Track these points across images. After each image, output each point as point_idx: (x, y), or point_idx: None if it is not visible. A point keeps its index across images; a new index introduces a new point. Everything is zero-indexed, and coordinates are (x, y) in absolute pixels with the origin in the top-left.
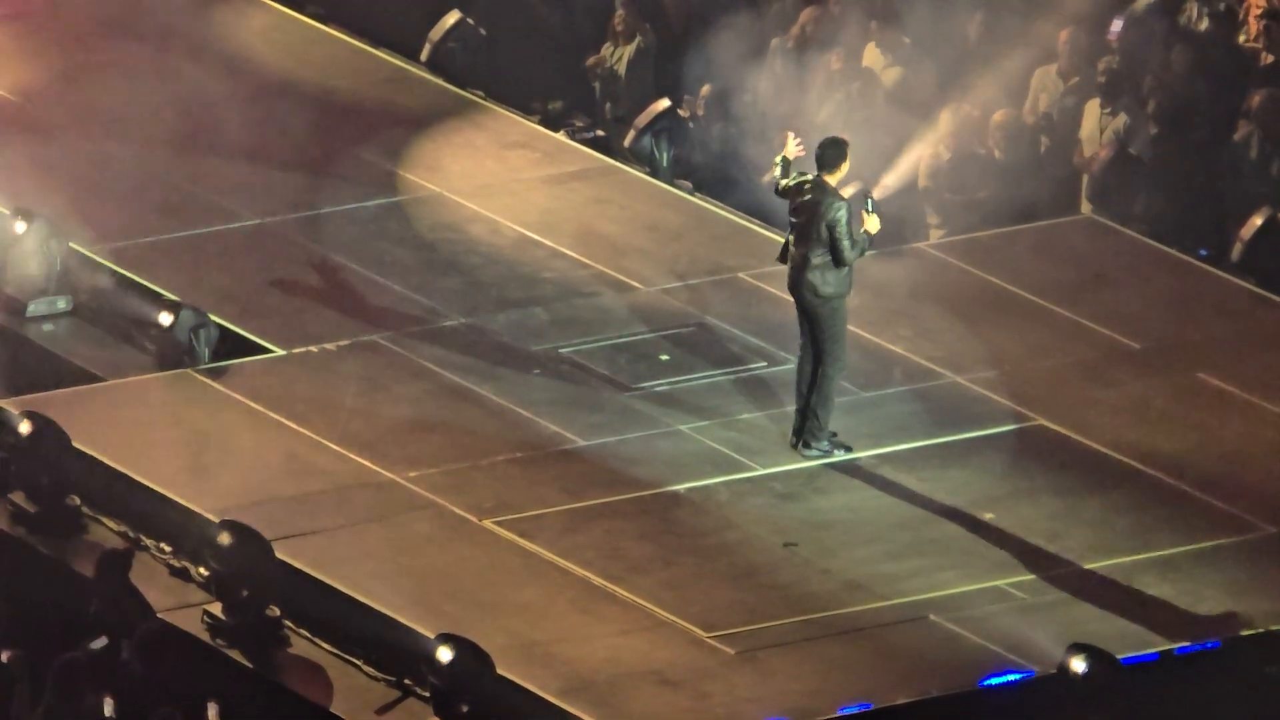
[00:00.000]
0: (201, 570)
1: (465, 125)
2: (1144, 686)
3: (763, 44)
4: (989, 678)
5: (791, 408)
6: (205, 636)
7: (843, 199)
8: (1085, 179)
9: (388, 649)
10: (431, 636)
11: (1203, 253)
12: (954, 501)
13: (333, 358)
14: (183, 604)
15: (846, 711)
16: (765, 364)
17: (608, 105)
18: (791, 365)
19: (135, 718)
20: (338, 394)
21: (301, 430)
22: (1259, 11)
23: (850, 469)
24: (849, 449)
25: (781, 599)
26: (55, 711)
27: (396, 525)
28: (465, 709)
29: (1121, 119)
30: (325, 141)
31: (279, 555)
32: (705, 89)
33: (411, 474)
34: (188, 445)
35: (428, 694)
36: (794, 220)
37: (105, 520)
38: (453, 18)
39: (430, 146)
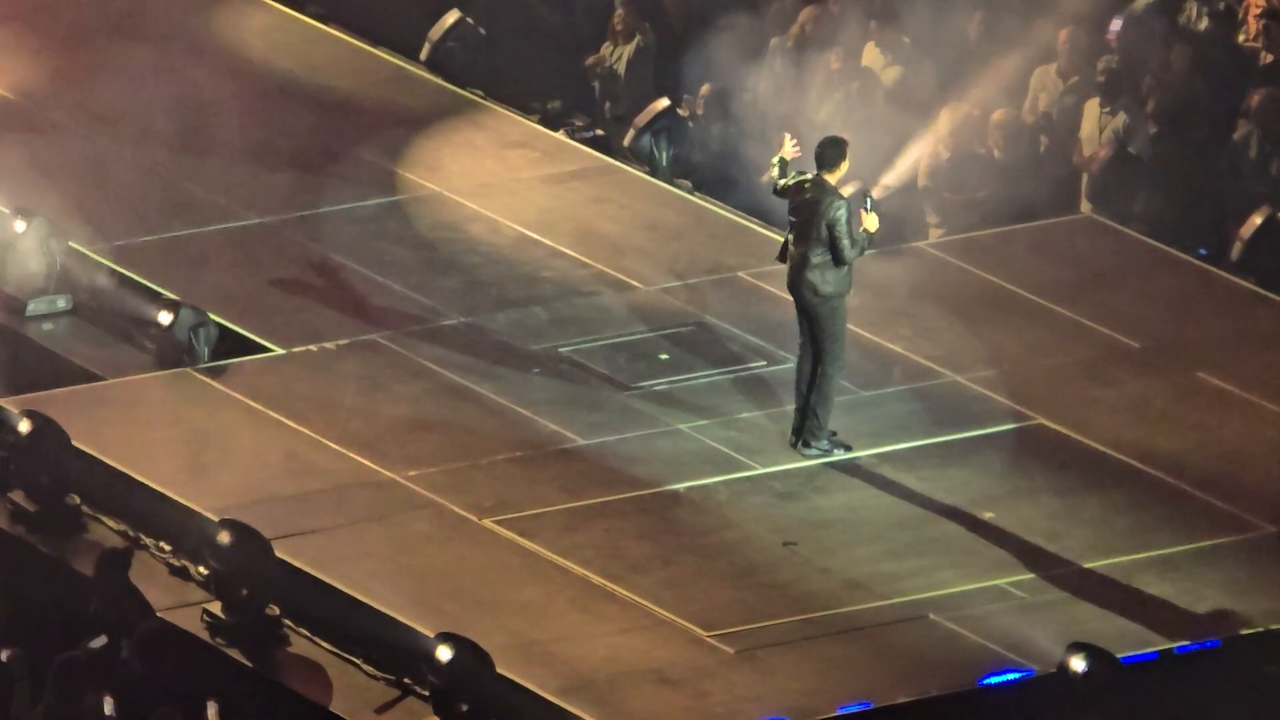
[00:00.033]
0: (201, 569)
1: (465, 124)
2: (1144, 686)
3: (762, 43)
4: (988, 677)
5: (791, 407)
6: (205, 635)
7: (842, 198)
8: (1085, 178)
9: (387, 648)
10: (431, 635)
11: (1202, 252)
12: (953, 500)
13: (332, 357)
14: (182, 603)
15: (846, 710)
16: (765, 363)
17: (607, 104)
18: (791, 364)
19: (135, 717)
20: (337, 393)
21: (301, 429)
22: (1258, 11)
23: (850, 468)
24: (848, 448)
25: (781, 598)
26: (55, 710)
27: (396, 524)
28: (465, 708)
29: (1121, 118)
30: (325, 141)
31: (278, 554)
32: (705, 88)
33: (411, 473)
34: (187, 444)
35: (427, 693)
36: (793, 219)
37: (105, 519)
38: (452, 17)
39: (430, 146)
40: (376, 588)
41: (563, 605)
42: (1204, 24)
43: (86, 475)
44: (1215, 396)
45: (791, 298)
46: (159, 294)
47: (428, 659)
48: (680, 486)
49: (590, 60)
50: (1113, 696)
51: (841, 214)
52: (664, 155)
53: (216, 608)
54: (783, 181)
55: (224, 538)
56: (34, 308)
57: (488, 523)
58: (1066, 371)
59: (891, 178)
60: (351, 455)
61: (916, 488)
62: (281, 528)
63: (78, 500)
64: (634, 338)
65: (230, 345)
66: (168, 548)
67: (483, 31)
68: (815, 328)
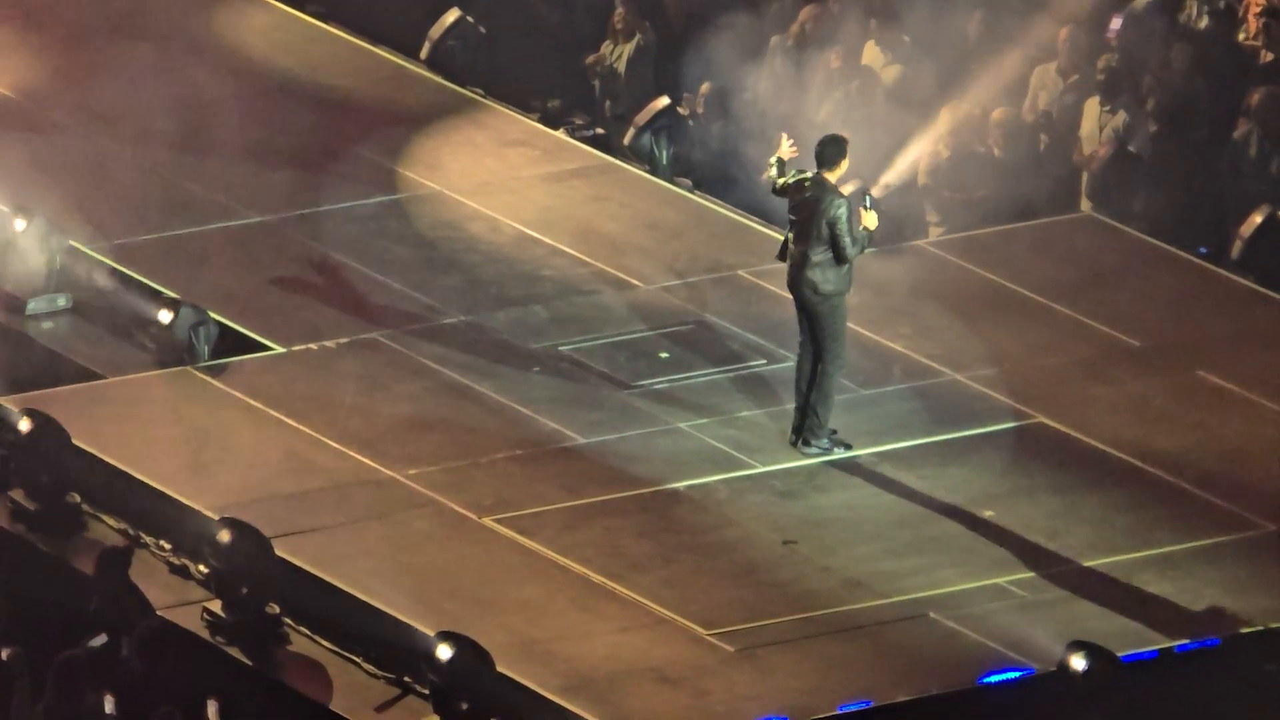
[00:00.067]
0: (201, 568)
1: (465, 123)
2: (1144, 684)
3: (762, 42)
4: (989, 675)
5: (791, 405)
6: (205, 634)
7: (843, 196)
8: (1085, 177)
9: (387, 646)
10: (431, 634)
11: (1202, 250)
12: (954, 499)
13: (332, 355)
14: (182, 601)
15: (846, 709)
16: (765, 362)
17: (607, 103)
18: (791, 363)
19: (135, 715)
20: (337, 392)
21: (301, 428)
22: (1258, 9)
23: (850, 466)
24: (848, 446)
25: (781, 597)
26: (55, 709)
27: (396, 523)
28: (465, 706)
29: (1121, 117)
30: (325, 139)
31: (278, 553)
32: (705, 87)
33: (411, 471)
34: (187, 443)
35: (427, 691)
36: (793, 218)
37: (105, 518)
38: (452, 16)
39: (430, 144)
40: (376, 586)
41: (563, 604)
42: (1204, 22)
43: (86, 474)
44: (1215, 395)
45: (791, 296)
46: (159, 292)
47: (428, 657)
48: (680, 485)
49: (590, 59)
50: (1113, 695)
51: (842, 212)
52: (664, 154)
53: (216, 606)
54: (781, 180)
55: (224, 536)
56: (34, 306)
57: (488, 521)
58: (1066, 370)
59: (892, 176)
60: (351, 454)
61: (916, 486)
62: (281, 526)
63: (78, 499)
64: (634, 336)
65: (230, 344)
66: (168, 546)
67: (483, 30)
68: (815, 326)
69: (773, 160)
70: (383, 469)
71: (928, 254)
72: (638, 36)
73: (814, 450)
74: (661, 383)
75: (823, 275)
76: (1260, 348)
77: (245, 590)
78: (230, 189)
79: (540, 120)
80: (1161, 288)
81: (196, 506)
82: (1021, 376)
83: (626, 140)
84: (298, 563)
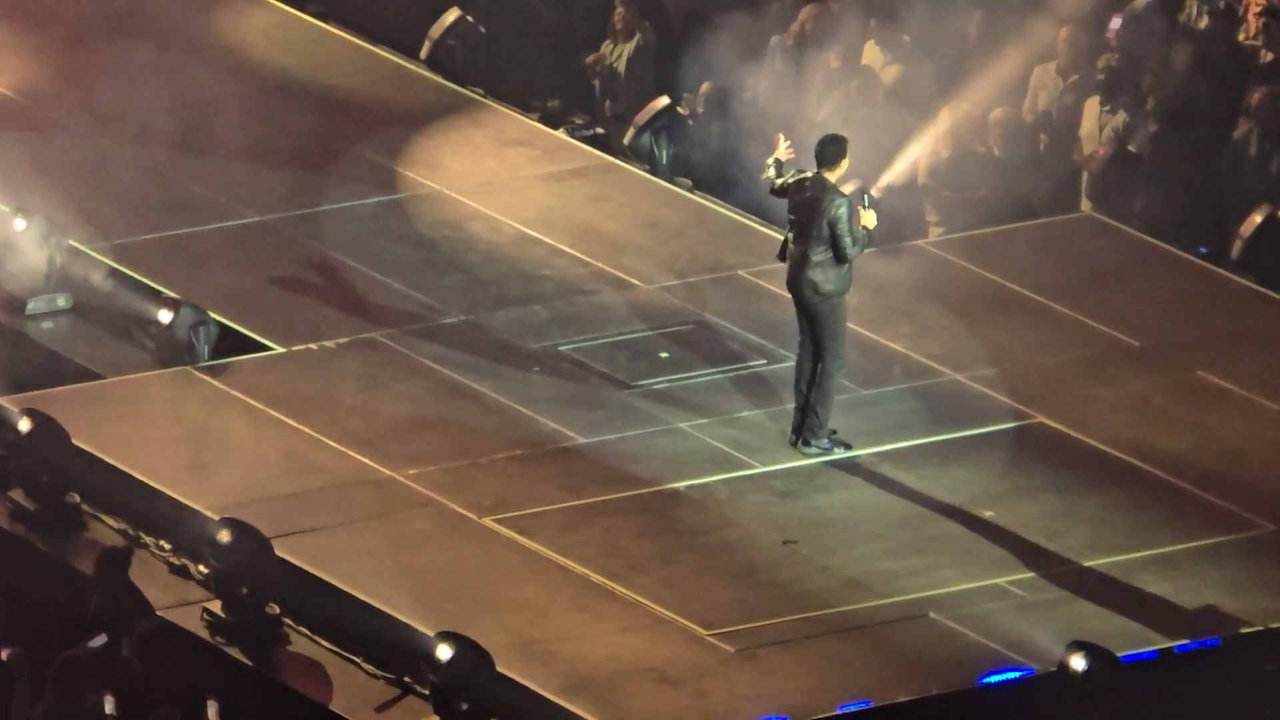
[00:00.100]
0: (201, 568)
1: (465, 123)
2: (1144, 684)
3: (762, 42)
4: (989, 675)
5: (791, 405)
6: (205, 634)
7: (843, 196)
8: (1085, 177)
9: (387, 647)
10: (431, 634)
11: (1202, 250)
12: (953, 499)
13: (332, 355)
14: (182, 601)
15: (846, 709)
16: (765, 361)
17: (607, 103)
18: (790, 363)
19: (135, 716)
20: (337, 391)
21: (301, 428)
22: (1258, 9)
23: (850, 466)
24: (848, 446)
25: (781, 597)
26: (55, 710)
27: (396, 523)
28: (465, 707)
29: (1121, 116)
30: (325, 139)
31: (278, 553)
32: (704, 87)
33: (411, 471)
34: (187, 443)
35: (427, 692)
36: (793, 218)
37: (105, 518)
38: (452, 15)
39: (430, 144)
40: (376, 586)
41: (563, 604)
42: (1204, 22)
43: (86, 474)
44: (1215, 395)
45: (791, 296)
46: (159, 292)
47: (428, 658)
48: (680, 485)
49: (590, 59)
50: (1113, 695)
51: (843, 212)
52: (664, 153)
53: (216, 606)
54: (780, 180)
55: (224, 536)
56: (34, 306)
57: (488, 521)
58: (1066, 370)
59: (891, 176)
60: (351, 454)
61: (916, 486)
62: (281, 526)
63: (78, 499)
64: (634, 336)
65: (230, 344)
66: (168, 546)
67: (483, 30)
68: (816, 326)
69: (770, 161)
70: (383, 469)
71: (928, 254)
72: (637, 36)
73: (814, 450)
74: (661, 382)
75: (823, 275)
76: (1260, 348)
77: (245, 590)
78: (230, 189)
79: (540, 120)
80: (1161, 288)
81: (196, 506)
82: (1021, 376)
83: (626, 140)
84: (298, 563)
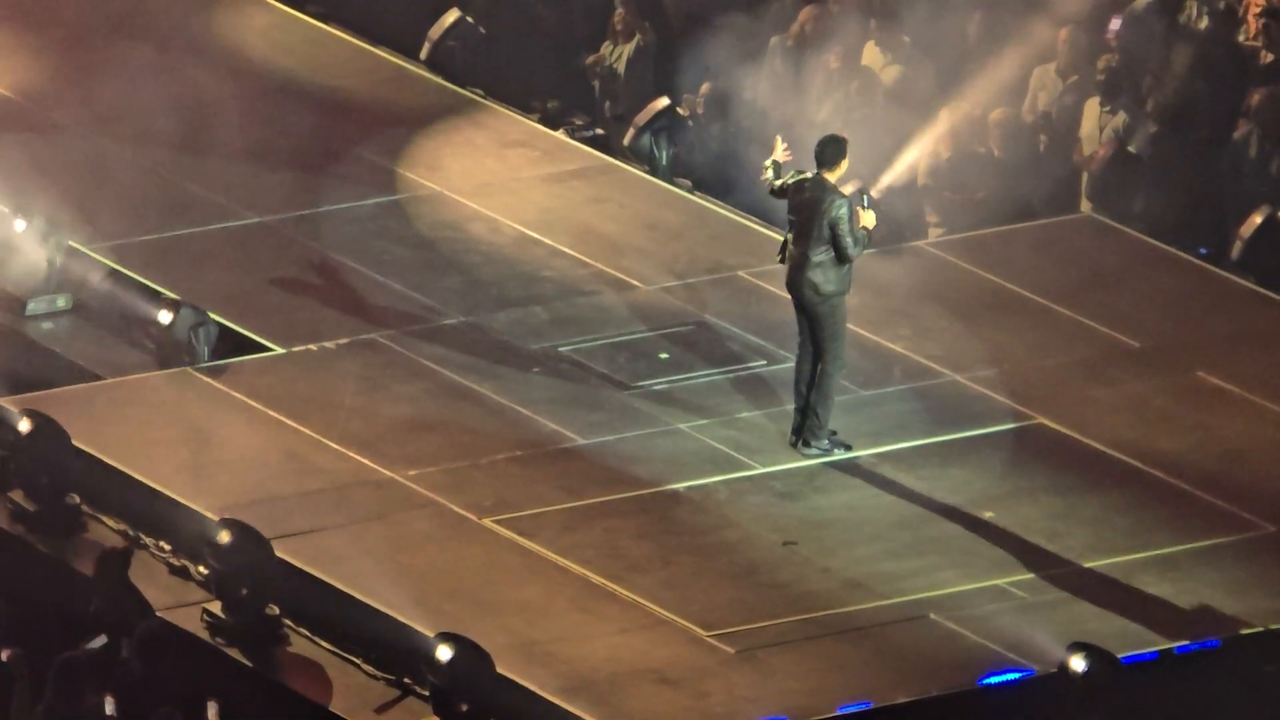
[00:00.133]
0: (201, 569)
1: (465, 124)
2: (1144, 685)
3: (762, 43)
4: (989, 676)
5: (791, 406)
6: (205, 635)
7: (843, 196)
8: (1085, 177)
9: (387, 648)
10: (431, 635)
11: (1202, 251)
12: (953, 500)
13: (332, 356)
14: (182, 602)
15: (846, 710)
16: (765, 362)
17: (607, 104)
18: (790, 364)
19: (135, 717)
20: (337, 392)
21: (301, 429)
22: (1258, 10)
23: (850, 467)
24: (848, 447)
25: (781, 598)
26: (55, 710)
27: (396, 524)
28: (465, 708)
29: (1121, 117)
30: (325, 140)
31: (278, 554)
32: (704, 87)
33: (411, 472)
34: (187, 443)
35: (427, 693)
36: (793, 218)
37: (105, 519)
38: (452, 16)
39: (430, 145)
40: (376, 587)
41: (563, 605)
42: (1204, 23)
43: (86, 474)
44: (1215, 396)
45: (791, 297)
46: (159, 293)
47: (428, 659)
48: (680, 486)
49: (590, 59)
50: (1113, 696)
51: (844, 212)
52: (664, 154)
53: (216, 607)
54: (779, 181)
55: (224, 537)
56: (34, 307)
57: (487, 522)
58: (1066, 371)
59: (891, 177)
60: (351, 455)
61: (916, 487)
62: (281, 527)
63: (78, 500)
64: (634, 337)
65: (230, 344)
66: (168, 547)
67: (482, 31)
68: (815, 327)
69: (768, 164)
70: (382, 470)
71: (928, 255)
72: (637, 37)
73: (814, 451)
74: (661, 383)
75: (823, 276)
76: (1260, 348)
77: (245, 591)
78: (230, 190)
79: (540, 121)
80: (1161, 288)
81: (196, 507)
82: (1021, 377)
83: (626, 141)
84: (298, 564)
